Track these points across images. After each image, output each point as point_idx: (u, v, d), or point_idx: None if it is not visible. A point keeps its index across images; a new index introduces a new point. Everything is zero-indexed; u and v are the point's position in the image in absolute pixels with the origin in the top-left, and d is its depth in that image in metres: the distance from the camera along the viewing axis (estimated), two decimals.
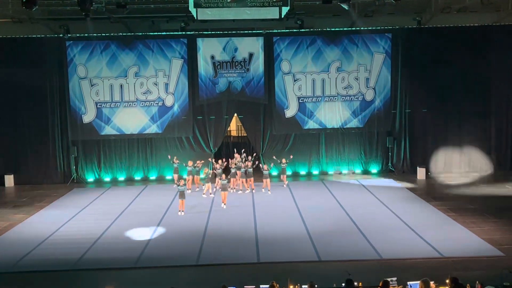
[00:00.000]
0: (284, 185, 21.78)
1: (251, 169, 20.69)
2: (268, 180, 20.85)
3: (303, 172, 24.21)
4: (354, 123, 24.05)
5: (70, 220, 17.54)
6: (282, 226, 16.20)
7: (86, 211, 18.83)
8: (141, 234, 15.75)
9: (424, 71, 23.56)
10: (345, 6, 19.40)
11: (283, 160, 21.75)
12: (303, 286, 9.51)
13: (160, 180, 23.84)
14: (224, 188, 18.78)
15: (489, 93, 23.84)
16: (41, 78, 23.21)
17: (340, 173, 24.08)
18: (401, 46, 23.61)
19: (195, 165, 21.34)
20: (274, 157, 22.88)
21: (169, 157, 22.18)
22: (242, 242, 14.78)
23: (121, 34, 23.38)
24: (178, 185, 18.40)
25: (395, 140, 24.22)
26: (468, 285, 9.12)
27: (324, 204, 18.88)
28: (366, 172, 24.36)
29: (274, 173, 23.00)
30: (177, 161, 21.83)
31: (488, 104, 23.92)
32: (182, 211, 17.82)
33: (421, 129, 24.14)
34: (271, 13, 19.44)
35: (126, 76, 23.45)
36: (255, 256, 13.71)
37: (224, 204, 18.59)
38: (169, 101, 23.68)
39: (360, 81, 23.81)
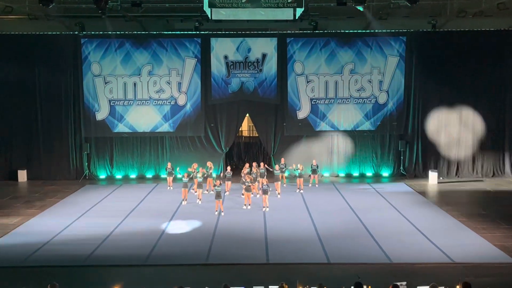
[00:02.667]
0: (299, 190, 21.76)
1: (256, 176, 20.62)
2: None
3: None
4: (366, 126, 23.96)
5: (81, 216, 17.67)
6: (292, 227, 16.18)
7: (97, 207, 18.97)
8: (152, 231, 15.80)
9: (438, 75, 23.41)
10: (360, 8, 19.34)
11: (300, 167, 21.45)
12: (312, 287, 9.49)
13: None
14: (248, 189, 18.56)
15: (504, 98, 23.63)
16: (55, 75, 23.44)
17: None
18: (415, 49, 23.49)
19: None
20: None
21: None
22: (251, 242, 14.79)
23: (135, 32, 23.53)
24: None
25: (408, 144, 24.07)
26: None
27: (335, 207, 18.83)
28: (377, 175, 24.26)
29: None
30: (171, 167, 21.91)
31: (503, 109, 23.71)
32: (221, 211, 17.83)
33: (434, 133, 23.96)
34: (286, 14, 19.41)
35: (139, 75, 23.58)
36: (264, 256, 13.70)
37: (249, 204, 18.53)
38: (181, 100, 23.76)
39: (373, 84, 23.71)
